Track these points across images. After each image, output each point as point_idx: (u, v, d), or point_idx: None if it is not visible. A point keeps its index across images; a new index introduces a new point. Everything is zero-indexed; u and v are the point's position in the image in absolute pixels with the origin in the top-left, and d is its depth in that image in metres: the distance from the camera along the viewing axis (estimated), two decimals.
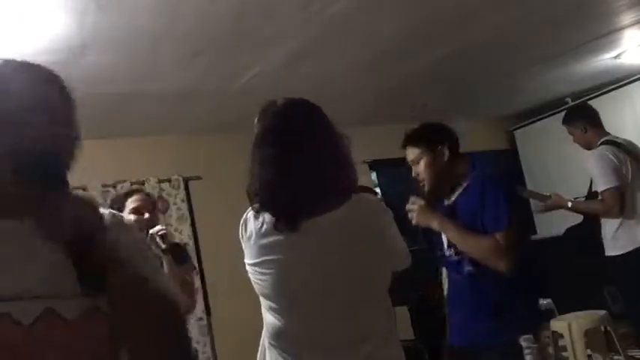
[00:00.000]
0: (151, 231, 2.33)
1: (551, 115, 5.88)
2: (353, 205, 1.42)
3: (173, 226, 4.45)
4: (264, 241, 1.42)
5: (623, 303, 3.56)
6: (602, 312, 3.52)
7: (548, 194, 3.59)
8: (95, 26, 2.65)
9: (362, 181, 5.07)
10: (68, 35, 2.69)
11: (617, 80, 5.44)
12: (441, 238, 2.25)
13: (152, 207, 2.48)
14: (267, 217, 1.42)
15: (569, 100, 5.86)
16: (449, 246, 2.22)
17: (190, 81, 3.59)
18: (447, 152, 2.23)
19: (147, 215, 2.40)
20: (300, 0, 2.78)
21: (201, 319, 4.40)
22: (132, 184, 4.36)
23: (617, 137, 3.55)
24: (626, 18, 3.94)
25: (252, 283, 1.47)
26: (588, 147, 3.59)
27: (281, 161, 1.41)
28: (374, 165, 5.58)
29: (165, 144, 4.63)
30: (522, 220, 2.22)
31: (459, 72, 4.48)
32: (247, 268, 1.48)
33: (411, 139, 2.31)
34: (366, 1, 2.93)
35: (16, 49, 2.73)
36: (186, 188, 4.66)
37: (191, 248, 4.44)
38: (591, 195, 3.62)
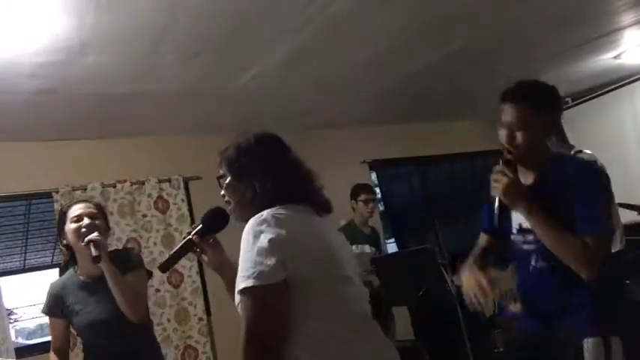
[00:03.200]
0: (86, 239, 2.25)
1: None
2: None
3: (173, 226, 4.45)
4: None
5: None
6: None
7: None
8: (95, 26, 2.65)
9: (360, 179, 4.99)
10: (68, 35, 2.69)
11: (617, 80, 5.44)
12: (510, 220, 1.98)
13: (94, 213, 2.39)
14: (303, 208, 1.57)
15: (569, 100, 5.87)
16: (520, 231, 1.96)
17: (190, 81, 3.59)
18: (554, 124, 1.94)
19: (86, 221, 2.33)
20: (300, 0, 2.78)
21: (201, 319, 4.41)
22: (132, 184, 4.36)
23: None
24: (626, 18, 3.94)
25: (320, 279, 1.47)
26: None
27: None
28: (374, 165, 5.58)
29: (165, 144, 4.62)
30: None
31: (459, 72, 4.48)
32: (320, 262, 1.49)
33: (527, 95, 1.89)
34: (366, 2, 2.93)
35: (16, 49, 2.73)
36: (186, 188, 4.66)
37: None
38: None
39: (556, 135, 3.72)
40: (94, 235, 2.26)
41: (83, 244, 2.25)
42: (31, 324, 9.54)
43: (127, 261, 2.40)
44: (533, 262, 1.92)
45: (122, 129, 4.30)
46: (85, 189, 4.21)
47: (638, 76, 5.30)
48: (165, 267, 1.80)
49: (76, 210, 2.37)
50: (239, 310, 1.43)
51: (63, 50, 2.83)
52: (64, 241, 2.38)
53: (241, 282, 1.38)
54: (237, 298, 1.42)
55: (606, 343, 1.78)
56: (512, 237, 2.01)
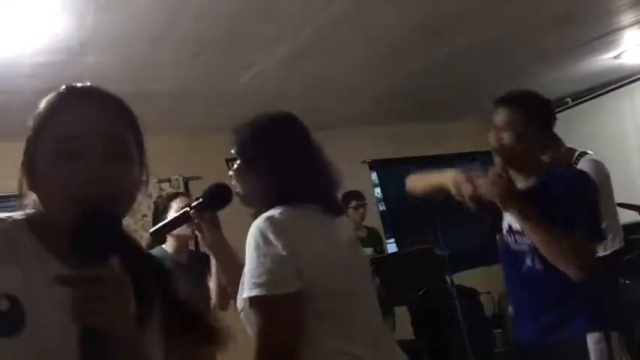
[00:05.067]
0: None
1: None
2: None
3: None
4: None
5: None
6: None
7: None
8: (95, 26, 2.65)
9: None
10: (68, 35, 2.69)
11: (617, 80, 5.44)
12: (502, 222, 2.03)
13: None
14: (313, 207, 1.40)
15: (569, 100, 5.87)
16: (510, 232, 1.99)
17: (190, 81, 3.59)
18: (542, 137, 1.97)
19: None
20: (300, 0, 2.78)
21: None
22: None
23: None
24: (626, 18, 3.94)
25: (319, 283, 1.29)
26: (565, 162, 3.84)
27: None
28: (374, 165, 5.58)
29: (165, 144, 4.62)
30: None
31: (459, 72, 4.48)
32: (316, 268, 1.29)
33: (519, 101, 1.97)
34: (365, 2, 2.93)
35: (16, 49, 2.73)
36: (187, 188, 4.66)
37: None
38: None
39: (553, 146, 3.81)
40: None
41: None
42: None
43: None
44: (529, 263, 1.92)
45: None
46: None
47: (638, 76, 5.30)
48: (156, 233, 1.77)
49: (180, 202, 2.62)
50: (242, 316, 1.33)
51: (63, 50, 2.83)
52: None
53: (251, 289, 1.24)
54: (240, 304, 1.33)
55: (607, 337, 1.82)
56: (505, 238, 2.02)
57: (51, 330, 0.82)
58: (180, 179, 4.59)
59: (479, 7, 3.27)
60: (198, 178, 4.68)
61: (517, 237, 1.96)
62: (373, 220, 5.02)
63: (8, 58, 2.81)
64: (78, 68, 3.04)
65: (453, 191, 1.98)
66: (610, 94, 5.55)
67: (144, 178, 0.96)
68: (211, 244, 1.67)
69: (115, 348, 0.78)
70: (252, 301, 1.24)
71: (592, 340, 1.82)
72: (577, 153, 3.79)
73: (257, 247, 1.26)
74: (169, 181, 4.55)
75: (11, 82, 3.08)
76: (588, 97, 5.70)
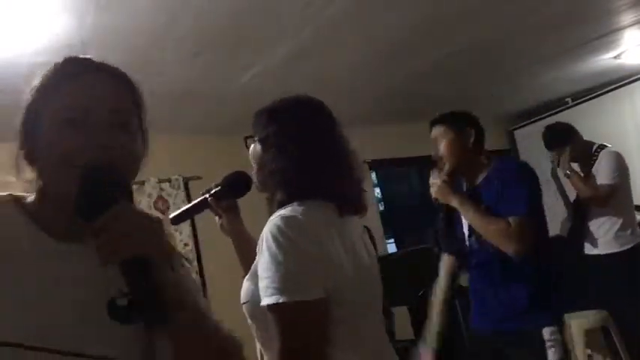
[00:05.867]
0: None
1: (551, 115, 5.89)
2: None
3: (173, 226, 4.45)
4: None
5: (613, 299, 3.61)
6: (602, 312, 3.53)
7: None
8: (95, 26, 2.65)
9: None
10: (68, 35, 2.69)
11: (617, 80, 5.44)
12: (463, 226, 2.28)
13: None
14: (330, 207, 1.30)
15: (569, 100, 5.87)
16: (470, 234, 2.24)
17: (190, 81, 3.59)
18: (472, 135, 2.24)
19: None
20: (300, 0, 2.78)
21: None
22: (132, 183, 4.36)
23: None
24: (626, 18, 3.94)
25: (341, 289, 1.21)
26: (585, 158, 3.79)
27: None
28: (373, 165, 5.58)
29: (165, 144, 4.60)
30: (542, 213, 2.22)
31: (459, 72, 4.48)
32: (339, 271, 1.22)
33: (438, 119, 2.37)
34: (366, 2, 2.93)
35: (16, 49, 2.73)
36: (186, 188, 4.66)
37: (191, 248, 4.45)
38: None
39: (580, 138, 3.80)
40: None
41: None
42: None
43: None
44: (482, 257, 2.17)
45: None
46: None
47: (638, 76, 5.30)
48: (176, 219, 1.72)
49: None
50: (244, 308, 1.29)
51: (63, 50, 2.81)
52: None
53: (272, 295, 1.13)
54: (245, 296, 1.28)
55: (560, 329, 2.03)
56: (468, 241, 2.29)
57: (45, 304, 0.84)
58: (180, 179, 4.60)
59: (479, 7, 3.27)
60: (198, 178, 4.68)
61: (478, 235, 2.18)
62: (373, 221, 5.02)
63: (8, 58, 2.81)
64: None
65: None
66: (610, 94, 5.55)
67: (145, 154, 0.99)
68: (229, 232, 1.64)
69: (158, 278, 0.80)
70: (271, 308, 1.14)
71: (548, 334, 2.01)
72: (596, 146, 3.76)
73: (279, 248, 1.15)
74: (169, 181, 4.55)
75: (11, 82, 3.08)
76: (588, 97, 5.70)
